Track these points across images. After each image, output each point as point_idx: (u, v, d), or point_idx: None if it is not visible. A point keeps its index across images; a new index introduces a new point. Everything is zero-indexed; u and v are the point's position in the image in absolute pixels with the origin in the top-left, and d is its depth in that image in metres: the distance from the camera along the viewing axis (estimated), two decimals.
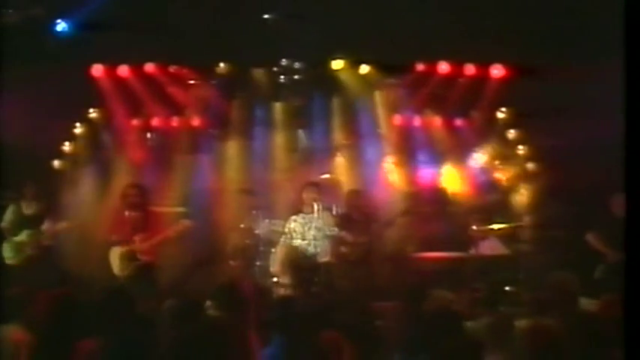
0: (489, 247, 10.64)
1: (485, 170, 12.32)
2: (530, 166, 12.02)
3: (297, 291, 9.06)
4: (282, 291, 9.43)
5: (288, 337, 5.36)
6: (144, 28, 11.00)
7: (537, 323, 5.48)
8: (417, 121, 12.46)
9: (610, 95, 7.39)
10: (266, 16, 11.20)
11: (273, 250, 10.86)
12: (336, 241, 9.67)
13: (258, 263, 11.22)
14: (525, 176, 12.02)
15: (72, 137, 12.10)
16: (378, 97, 12.23)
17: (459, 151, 12.38)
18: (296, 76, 12.03)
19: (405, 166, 12.24)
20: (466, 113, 12.36)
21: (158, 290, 9.38)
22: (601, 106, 9.81)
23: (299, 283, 9.23)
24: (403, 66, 11.76)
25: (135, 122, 12.40)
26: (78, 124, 12.07)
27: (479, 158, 12.37)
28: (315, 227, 9.47)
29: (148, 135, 12.53)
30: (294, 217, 9.72)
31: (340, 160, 12.24)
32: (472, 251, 10.54)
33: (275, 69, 11.99)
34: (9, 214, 10.17)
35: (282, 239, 9.88)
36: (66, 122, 11.95)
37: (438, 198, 12.11)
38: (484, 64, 11.75)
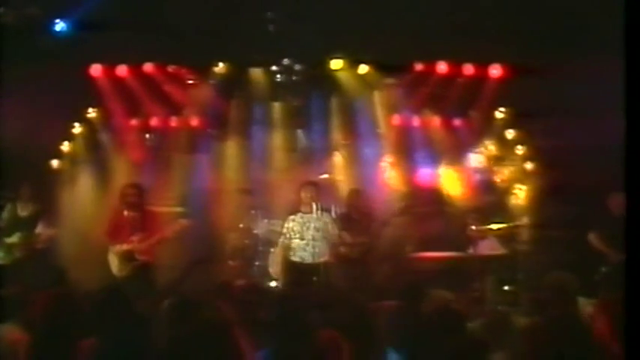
0: (488, 247, 10.64)
1: (484, 170, 12.32)
2: (528, 166, 12.01)
3: (295, 291, 9.03)
4: (280, 290, 9.41)
5: (286, 337, 5.35)
6: (142, 28, 11.00)
7: (536, 323, 5.49)
8: (415, 121, 12.47)
9: (609, 95, 7.39)
10: (265, 16, 11.19)
11: (272, 249, 10.87)
12: (336, 241, 9.65)
13: (257, 263, 11.24)
14: (524, 176, 12.01)
15: (70, 137, 12.10)
16: (377, 97, 12.23)
17: (458, 151, 12.39)
18: (295, 76, 12.03)
19: (404, 166, 12.25)
20: (465, 113, 12.36)
21: (156, 290, 9.38)
22: (600, 106, 9.82)
23: (297, 282, 9.21)
24: (402, 66, 11.76)
25: (133, 122, 12.40)
26: (76, 124, 12.07)
27: (477, 158, 12.37)
28: (314, 227, 9.45)
29: (147, 135, 12.53)
30: (292, 217, 9.71)
31: (339, 160, 12.24)
32: (470, 251, 10.56)
33: (273, 69, 11.99)
34: (5, 214, 10.15)
35: (280, 239, 9.87)
36: (64, 122, 11.94)
37: (436, 198, 12.14)
38: (483, 64, 11.75)
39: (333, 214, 10.89)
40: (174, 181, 11.97)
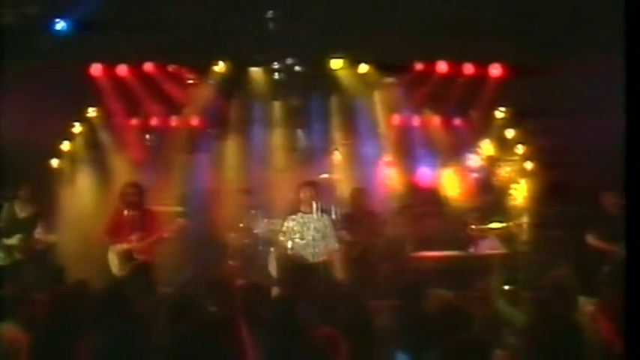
0: (488, 246, 10.64)
1: (484, 169, 12.33)
2: (528, 165, 12.02)
3: (295, 290, 9.03)
4: (280, 290, 9.41)
5: (285, 336, 5.36)
6: (142, 28, 11.00)
7: (537, 321, 5.49)
8: (415, 120, 12.48)
9: (609, 95, 7.40)
10: (265, 16, 11.19)
11: (272, 249, 10.87)
12: (336, 241, 9.65)
13: (257, 262, 11.22)
14: (523, 175, 12.02)
15: (70, 136, 12.09)
16: (377, 96, 12.23)
17: (458, 150, 12.40)
18: (294, 76, 12.03)
19: (404, 166, 12.25)
20: (465, 113, 12.36)
21: (155, 289, 9.38)
22: (600, 106, 9.82)
23: (297, 282, 9.20)
24: (402, 65, 11.76)
25: (133, 121, 12.39)
26: (76, 123, 12.06)
27: (477, 157, 12.38)
28: (314, 228, 9.44)
29: (147, 134, 12.53)
30: (292, 217, 9.69)
31: (339, 160, 12.23)
32: (471, 250, 10.56)
33: (273, 68, 11.98)
34: (3, 215, 10.14)
35: (281, 238, 9.87)
36: (64, 121, 11.93)
37: (436, 197, 12.15)
38: (483, 63, 11.76)
39: (333, 213, 10.92)
40: (174, 181, 11.97)
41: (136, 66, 11.77)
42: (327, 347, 5.08)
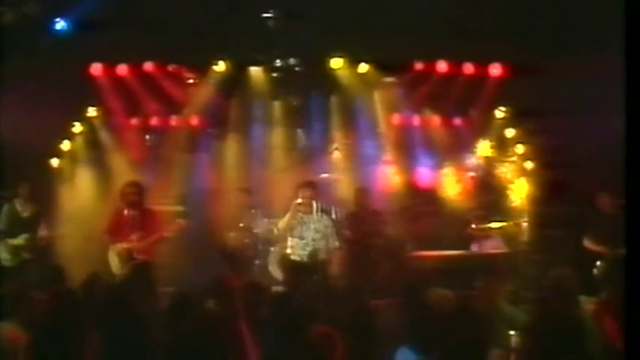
0: (488, 246, 10.65)
1: (484, 169, 12.33)
2: (528, 164, 12.01)
3: (294, 289, 9.04)
4: (280, 289, 9.42)
5: (285, 335, 5.37)
6: (142, 27, 10.99)
7: (537, 320, 5.50)
8: (415, 120, 12.47)
9: (609, 94, 7.40)
10: (265, 15, 11.19)
11: (272, 248, 10.89)
12: (336, 241, 9.66)
13: (257, 262, 11.24)
14: (524, 175, 12.02)
15: (70, 136, 12.09)
16: (377, 96, 12.23)
17: (458, 149, 12.39)
18: (294, 75, 12.02)
19: (404, 165, 12.25)
20: (465, 112, 12.36)
21: (155, 288, 9.39)
22: (600, 106, 9.82)
23: (296, 281, 9.21)
24: (402, 65, 11.76)
25: (133, 121, 12.39)
26: (76, 123, 12.06)
27: (477, 157, 12.38)
28: (314, 228, 9.44)
29: (147, 134, 12.53)
30: (291, 217, 9.68)
31: (339, 159, 12.24)
32: (471, 249, 10.57)
33: (273, 67, 11.98)
34: (3, 215, 10.12)
35: (275, 232, 9.89)
36: (64, 121, 11.93)
37: (436, 197, 12.15)
38: (483, 63, 11.75)
39: (333, 213, 10.92)
40: (174, 180, 11.97)
41: (136, 65, 11.76)
42: (324, 345, 5.08)
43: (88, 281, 7.13)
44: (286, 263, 9.82)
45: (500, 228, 10.68)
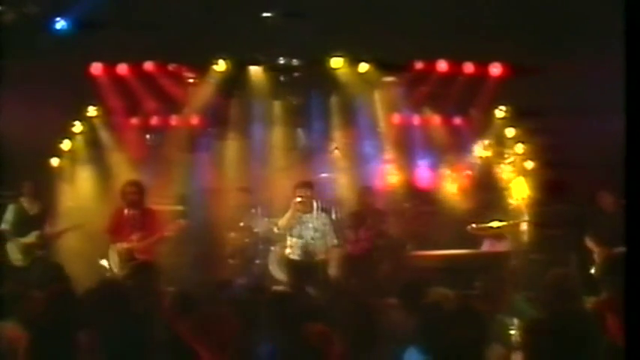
0: (488, 245, 10.65)
1: (484, 168, 12.33)
2: (528, 164, 12.02)
3: (294, 289, 9.05)
4: (279, 288, 9.43)
5: (284, 334, 5.37)
6: (143, 27, 10.99)
7: (537, 319, 5.49)
8: (415, 119, 12.48)
9: (609, 94, 7.40)
10: (265, 14, 11.19)
11: (272, 248, 10.89)
12: (335, 240, 9.66)
13: (257, 261, 11.25)
14: (523, 174, 12.02)
15: (71, 135, 12.09)
16: (377, 95, 12.23)
17: (458, 149, 12.39)
18: (295, 75, 12.03)
19: (404, 165, 12.25)
20: (465, 111, 12.36)
21: (156, 288, 9.37)
22: (600, 105, 9.82)
23: (296, 281, 9.22)
24: (402, 64, 11.77)
25: (133, 120, 12.40)
26: (76, 122, 12.06)
27: (477, 156, 12.39)
28: (313, 227, 9.45)
29: (147, 133, 12.53)
30: (290, 216, 9.68)
31: (339, 159, 12.24)
32: (472, 249, 10.57)
33: (273, 67, 11.98)
34: (10, 215, 10.12)
35: (275, 230, 9.90)
36: (64, 120, 11.94)
37: (436, 196, 12.15)
38: (483, 62, 11.75)
39: (333, 212, 10.94)
40: (175, 180, 11.98)
41: (136, 65, 11.76)
42: (321, 344, 5.09)
43: (88, 281, 7.13)
44: (285, 263, 9.84)
45: (500, 227, 10.66)
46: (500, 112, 12.18)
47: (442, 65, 11.76)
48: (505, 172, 12.16)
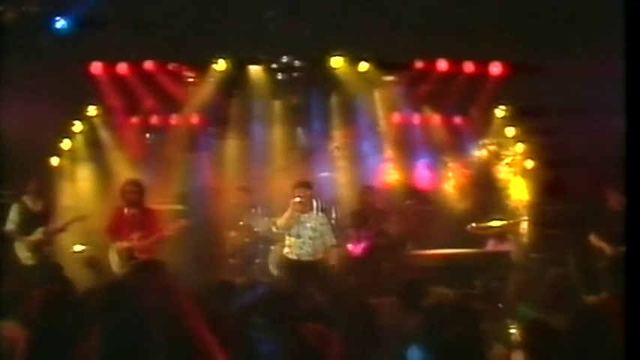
0: (492, 245, 10.65)
1: (484, 167, 12.33)
2: (528, 163, 12.02)
3: (293, 288, 9.06)
4: (279, 288, 9.42)
5: (284, 334, 5.37)
6: (142, 26, 11.00)
7: (537, 319, 5.50)
8: (416, 118, 12.48)
9: (609, 93, 7.40)
10: (265, 14, 11.20)
11: (272, 247, 10.89)
12: (334, 240, 9.66)
13: (257, 261, 11.25)
14: (524, 173, 12.02)
15: (70, 134, 12.10)
16: (377, 94, 12.24)
17: (458, 148, 12.40)
18: (295, 74, 12.03)
19: (404, 164, 12.25)
20: (465, 111, 12.36)
21: (161, 286, 9.36)
22: (600, 104, 9.82)
23: (294, 280, 9.22)
24: (402, 64, 11.75)
25: (133, 120, 12.40)
26: (76, 122, 12.07)
27: (477, 156, 12.39)
28: (311, 227, 9.44)
29: (147, 133, 12.54)
30: (289, 216, 9.68)
31: (339, 158, 12.24)
32: (471, 248, 10.57)
33: (273, 66, 11.98)
34: (14, 214, 10.09)
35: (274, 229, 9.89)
36: (64, 119, 11.94)
37: (436, 195, 12.15)
38: (483, 61, 11.75)
39: (333, 212, 10.94)
40: (175, 179, 11.98)
41: (136, 64, 11.76)
42: (318, 344, 5.09)
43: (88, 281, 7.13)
44: (283, 262, 9.84)
45: (500, 227, 10.67)
46: (500, 112, 12.19)
47: (442, 64, 11.75)
48: (505, 171, 12.17)
